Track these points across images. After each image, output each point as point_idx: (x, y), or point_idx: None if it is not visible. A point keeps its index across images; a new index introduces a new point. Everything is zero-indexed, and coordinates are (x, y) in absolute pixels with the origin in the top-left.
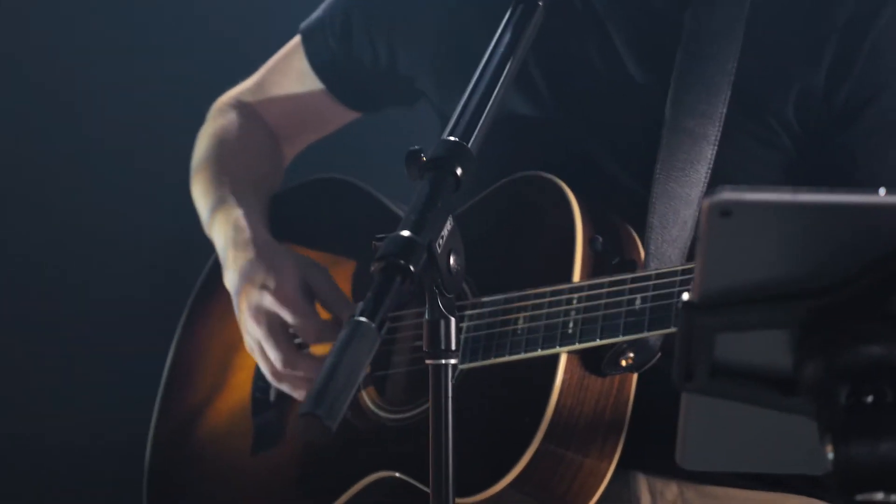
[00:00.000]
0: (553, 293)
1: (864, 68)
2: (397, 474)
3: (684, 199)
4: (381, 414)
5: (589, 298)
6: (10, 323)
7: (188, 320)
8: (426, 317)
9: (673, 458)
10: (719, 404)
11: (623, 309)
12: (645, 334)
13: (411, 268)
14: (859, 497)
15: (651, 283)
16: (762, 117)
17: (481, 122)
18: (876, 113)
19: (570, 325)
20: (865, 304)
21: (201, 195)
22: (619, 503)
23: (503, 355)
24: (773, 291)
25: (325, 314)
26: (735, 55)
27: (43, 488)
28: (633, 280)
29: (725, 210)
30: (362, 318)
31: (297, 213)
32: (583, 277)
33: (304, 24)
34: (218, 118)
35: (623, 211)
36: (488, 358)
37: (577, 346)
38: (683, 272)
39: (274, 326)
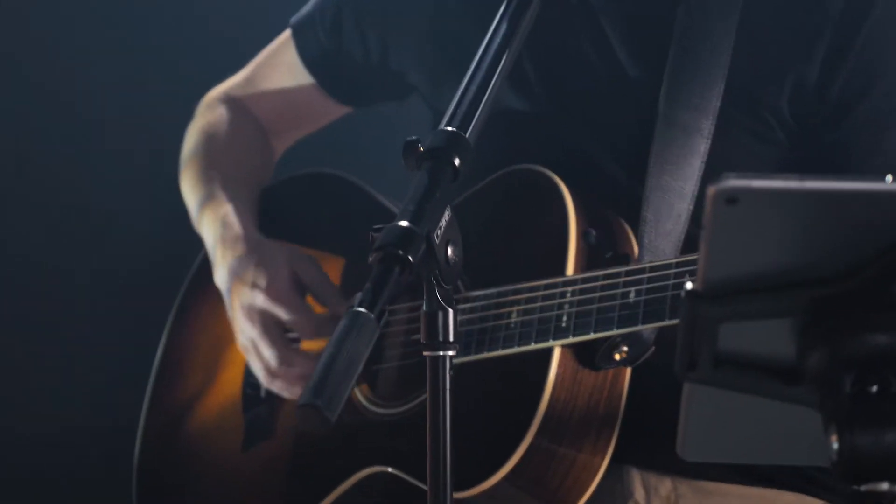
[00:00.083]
0: (547, 286)
1: (857, 61)
2: (390, 469)
3: (678, 193)
4: (373, 409)
5: (583, 292)
6: (10, 323)
7: (178, 315)
8: (424, 308)
9: (667, 454)
10: (721, 395)
11: (617, 302)
12: (639, 327)
13: (410, 258)
14: (864, 487)
15: (646, 276)
16: (756, 111)
17: (479, 112)
18: (869, 106)
19: (564, 318)
20: (871, 293)
21: (190, 190)
22: (613, 498)
23: (496, 349)
24: (778, 280)
25: (317, 307)
26: (729, 49)
27: (43, 487)
28: (628, 273)
29: (731, 197)
30: (361, 309)
31: (287, 207)
32: (576, 271)
33: (294, 19)
34: (207, 113)
35: (617, 205)
36: (481, 352)
37: (572, 340)
38: (678, 265)
39: (268, 325)
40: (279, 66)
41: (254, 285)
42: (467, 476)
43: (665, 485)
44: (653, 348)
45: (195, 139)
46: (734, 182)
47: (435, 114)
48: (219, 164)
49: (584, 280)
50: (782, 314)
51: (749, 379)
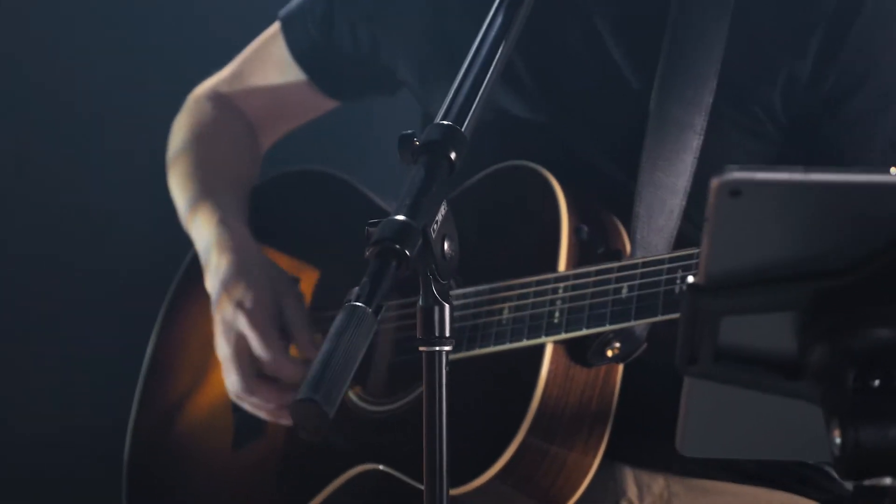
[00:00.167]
0: (538, 282)
1: (849, 57)
2: (381, 467)
3: (670, 189)
4: (364, 406)
5: (575, 287)
6: (9, 323)
7: (167, 314)
8: (420, 303)
9: (659, 451)
10: (721, 389)
11: (610, 298)
12: (632, 323)
13: (407, 253)
14: (867, 482)
15: (638, 271)
16: (748, 107)
17: (475, 105)
18: (860, 103)
19: (557, 314)
20: (874, 287)
21: (179, 188)
22: (606, 496)
23: (488, 346)
24: (781, 273)
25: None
26: (721, 45)
27: (43, 487)
28: (620, 269)
29: (735, 189)
30: (358, 304)
31: (278, 206)
32: (568, 267)
33: (283, 11)
34: (194, 110)
35: (609, 201)
36: (473, 349)
37: (564, 336)
38: (671, 260)
39: (240, 349)
40: (267, 59)
41: (238, 304)
42: (459, 473)
43: (658, 482)
44: (645, 345)
45: (183, 136)
46: (738, 174)
47: (425, 110)
48: (208, 161)
49: (577, 276)
50: (784, 308)
51: (750, 373)
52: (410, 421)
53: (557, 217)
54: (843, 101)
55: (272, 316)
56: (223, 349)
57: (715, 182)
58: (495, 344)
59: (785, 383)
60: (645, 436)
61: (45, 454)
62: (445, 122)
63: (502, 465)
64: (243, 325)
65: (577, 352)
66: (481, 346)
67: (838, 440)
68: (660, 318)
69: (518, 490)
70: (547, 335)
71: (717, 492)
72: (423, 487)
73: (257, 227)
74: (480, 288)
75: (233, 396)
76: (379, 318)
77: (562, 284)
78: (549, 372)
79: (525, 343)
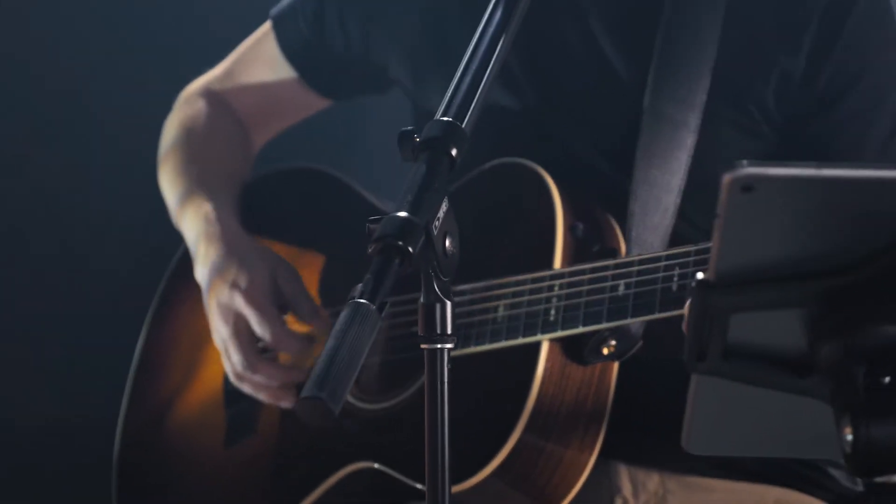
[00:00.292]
0: (534, 280)
1: (842, 56)
2: (375, 465)
3: (665, 187)
4: (358, 404)
5: (571, 285)
6: (9, 322)
7: (157, 311)
8: (422, 300)
9: (655, 449)
10: (729, 387)
11: (606, 295)
12: (629, 320)
13: (410, 249)
14: (879, 479)
15: (635, 268)
16: (742, 105)
17: (475, 101)
18: (854, 100)
19: (552, 312)
20: (885, 284)
21: (169, 184)
22: (601, 493)
23: (484, 343)
24: (791, 270)
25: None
26: (715, 42)
27: (43, 487)
28: (616, 266)
29: (747, 185)
30: (362, 300)
31: (270, 203)
32: (563, 264)
33: (275, 10)
34: (186, 107)
35: (604, 199)
36: (468, 346)
37: (560, 334)
38: (668, 258)
39: (240, 328)
40: (259, 58)
41: (233, 284)
42: (455, 471)
43: (653, 480)
44: (641, 342)
45: (174, 133)
46: (750, 169)
47: (418, 110)
48: (199, 159)
49: (572, 273)
50: (795, 304)
51: (759, 370)
52: (405, 419)
53: (552, 214)
54: (836, 100)
55: (269, 293)
56: (221, 331)
57: (727, 178)
58: (491, 342)
59: (794, 381)
60: (640, 433)
61: (45, 454)
62: (446, 119)
63: (499, 462)
64: (240, 304)
65: (572, 350)
66: (477, 344)
67: (850, 437)
68: (657, 315)
69: (514, 488)
70: (543, 333)
71: (711, 489)
72: (417, 485)
73: (248, 223)
74: (476, 285)
75: (234, 379)
76: (383, 314)
77: (557, 282)
78: (545, 370)
79: (521, 341)
